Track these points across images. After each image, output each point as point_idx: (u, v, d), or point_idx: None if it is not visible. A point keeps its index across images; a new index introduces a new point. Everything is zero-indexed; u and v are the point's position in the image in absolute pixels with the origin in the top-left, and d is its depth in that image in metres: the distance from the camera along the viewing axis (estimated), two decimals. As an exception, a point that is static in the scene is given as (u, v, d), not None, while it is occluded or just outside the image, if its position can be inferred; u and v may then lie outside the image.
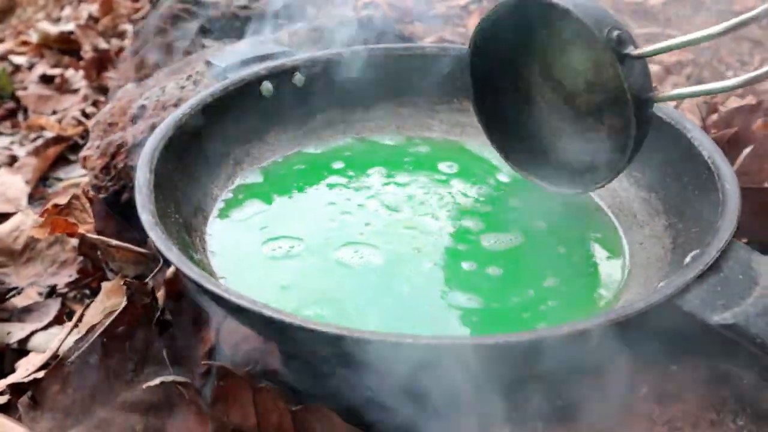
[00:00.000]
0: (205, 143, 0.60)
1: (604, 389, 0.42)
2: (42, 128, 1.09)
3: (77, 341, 0.49)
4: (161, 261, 0.57)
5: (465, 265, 0.53)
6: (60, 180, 0.99)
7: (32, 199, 0.94)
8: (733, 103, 1.01)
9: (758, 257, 0.45)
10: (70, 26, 1.36)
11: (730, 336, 0.40)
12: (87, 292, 0.68)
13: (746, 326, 0.39)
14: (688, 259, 0.47)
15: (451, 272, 0.52)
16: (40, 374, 0.48)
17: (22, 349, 0.59)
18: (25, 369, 0.51)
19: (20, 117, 1.17)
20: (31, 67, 1.29)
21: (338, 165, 0.65)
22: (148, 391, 0.47)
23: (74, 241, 0.65)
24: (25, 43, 1.37)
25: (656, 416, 0.40)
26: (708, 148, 0.55)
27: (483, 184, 0.63)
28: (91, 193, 0.64)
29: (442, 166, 0.65)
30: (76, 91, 1.19)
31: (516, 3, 0.53)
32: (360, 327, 0.38)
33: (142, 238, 0.63)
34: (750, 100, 0.99)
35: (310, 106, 0.68)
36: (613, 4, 1.45)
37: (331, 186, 0.62)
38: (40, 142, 1.04)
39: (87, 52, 1.24)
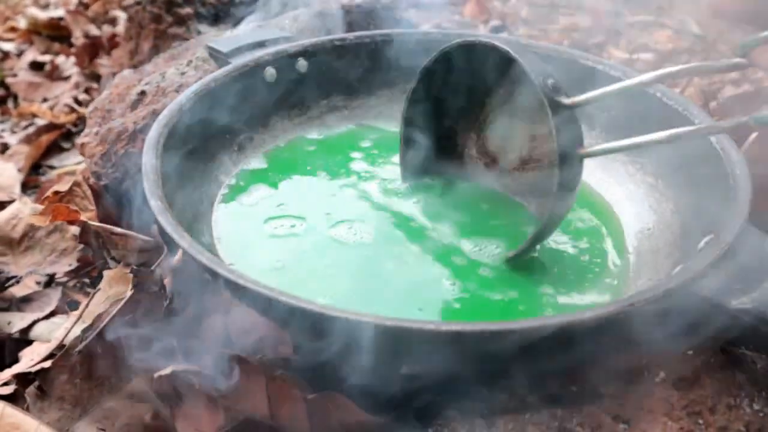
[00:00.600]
0: (209, 129, 0.59)
1: (622, 375, 0.42)
2: (33, 115, 1.07)
3: (84, 330, 0.48)
4: (166, 248, 0.56)
5: (457, 260, 0.52)
6: (53, 168, 0.98)
7: (25, 187, 0.92)
8: (729, 92, 1.02)
9: (771, 241, 0.45)
10: (59, 12, 1.33)
11: (749, 320, 0.40)
12: (87, 281, 0.67)
13: (765, 310, 0.39)
14: (701, 245, 0.47)
15: (447, 259, 0.52)
16: (47, 364, 0.47)
17: (23, 339, 0.58)
18: (30, 359, 0.50)
19: (10, 104, 1.15)
20: (20, 53, 1.27)
21: (342, 150, 0.64)
22: (158, 380, 0.47)
23: (74, 229, 0.64)
24: (13, 29, 1.34)
25: (674, 401, 0.40)
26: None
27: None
28: (92, 180, 0.63)
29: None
30: (67, 78, 1.16)
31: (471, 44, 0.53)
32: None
33: (140, 226, 0.62)
34: (747, 88, 0.99)
35: (312, 92, 0.68)
36: (608, -9, 1.45)
37: (333, 172, 0.62)
38: (32, 129, 1.02)
39: (78, 39, 1.22)
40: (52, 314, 0.59)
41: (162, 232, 0.46)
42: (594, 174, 0.63)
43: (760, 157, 0.64)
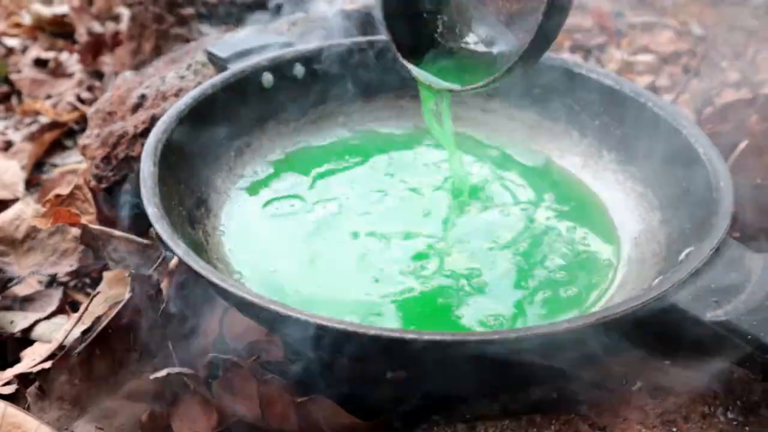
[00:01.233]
0: (207, 135, 0.60)
1: (599, 384, 0.43)
2: (37, 113, 1.08)
3: (83, 332, 0.50)
4: (164, 252, 0.58)
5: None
6: (56, 166, 0.99)
7: (28, 184, 0.93)
8: (729, 95, 1.02)
9: (751, 254, 0.46)
10: (63, 8, 1.34)
11: (723, 333, 0.41)
12: (87, 281, 0.68)
13: (738, 323, 0.41)
14: (682, 256, 0.48)
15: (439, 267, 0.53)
16: (48, 364, 0.49)
17: (25, 338, 0.59)
18: (31, 359, 0.51)
19: (14, 101, 1.16)
20: (24, 49, 1.28)
21: (338, 155, 0.66)
22: (154, 381, 0.48)
23: (75, 231, 0.65)
24: (17, 25, 1.36)
25: (649, 409, 0.42)
26: (704, 144, 0.56)
27: (485, 174, 0.64)
28: (93, 183, 0.65)
29: (442, 156, 0.66)
30: (70, 75, 1.18)
31: None
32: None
33: (140, 229, 0.64)
34: (745, 94, 1.00)
35: (310, 98, 0.69)
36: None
37: (330, 173, 0.63)
38: (35, 127, 1.04)
39: (81, 36, 1.23)
40: (53, 314, 0.60)
41: (158, 237, 0.48)
42: (584, 181, 0.64)
43: (748, 167, 0.65)
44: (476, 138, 0.68)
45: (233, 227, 0.57)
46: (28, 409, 0.47)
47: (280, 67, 0.66)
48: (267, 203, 0.60)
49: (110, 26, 1.25)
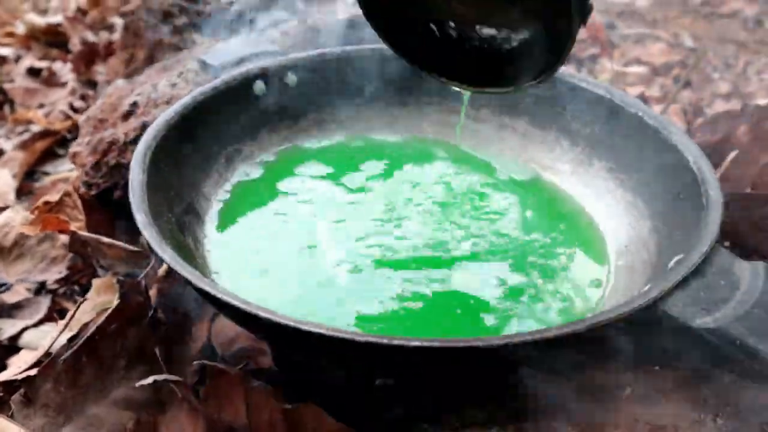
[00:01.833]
0: (197, 143, 0.60)
1: (588, 390, 0.43)
2: (29, 122, 1.08)
3: (70, 339, 0.49)
4: (153, 259, 0.57)
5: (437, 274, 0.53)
6: (47, 174, 0.99)
7: (20, 193, 0.93)
8: (719, 107, 1.03)
9: (740, 263, 0.46)
10: (57, 18, 1.35)
11: (712, 339, 0.41)
12: (77, 288, 0.68)
13: (727, 330, 0.41)
14: (671, 264, 0.48)
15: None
16: (33, 372, 0.48)
17: (12, 346, 0.59)
18: (17, 366, 0.51)
19: (6, 110, 1.16)
20: (17, 59, 1.28)
21: (331, 163, 0.66)
22: (141, 388, 0.48)
23: (64, 238, 0.65)
24: (10, 34, 1.36)
25: (639, 416, 0.42)
26: (693, 153, 0.56)
27: (471, 183, 0.64)
28: (82, 189, 0.64)
29: (433, 165, 0.66)
30: (64, 84, 1.18)
31: None
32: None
33: (131, 236, 0.64)
34: (735, 105, 1.00)
35: (301, 105, 0.69)
36: (601, 3, 1.46)
37: (319, 177, 0.63)
38: (27, 135, 1.03)
39: (75, 45, 1.23)
40: (41, 322, 0.60)
41: (147, 244, 0.48)
42: (576, 188, 0.64)
43: (737, 176, 0.65)
44: (463, 148, 0.68)
45: (219, 234, 0.57)
46: (12, 416, 0.46)
47: (272, 75, 0.67)
48: (254, 207, 0.60)
49: (104, 36, 1.25)
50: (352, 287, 0.51)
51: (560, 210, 0.62)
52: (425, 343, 0.38)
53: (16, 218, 0.66)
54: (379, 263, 0.53)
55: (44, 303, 0.63)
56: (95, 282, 0.60)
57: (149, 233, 0.45)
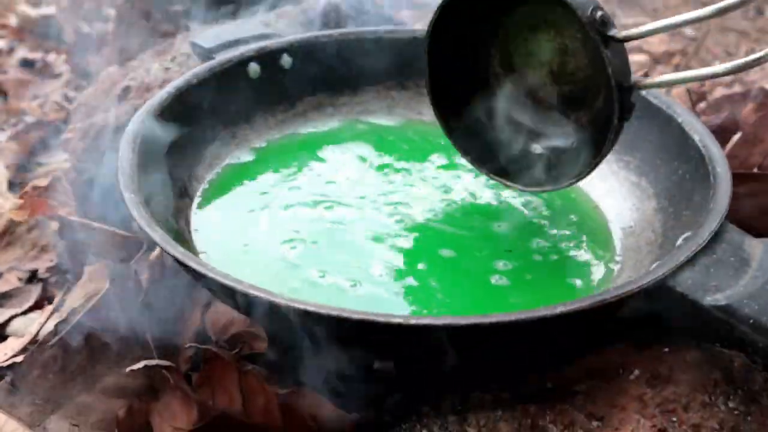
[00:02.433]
0: (190, 124, 0.59)
1: (596, 372, 0.42)
2: (23, 112, 1.07)
3: (58, 325, 0.48)
4: (145, 244, 0.56)
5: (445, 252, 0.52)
6: (41, 165, 0.97)
7: (12, 184, 0.92)
8: (720, 92, 1.02)
9: (750, 240, 0.45)
10: (51, 9, 1.33)
11: (723, 317, 0.39)
12: (68, 276, 0.66)
13: (739, 307, 0.39)
14: (680, 241, 0.46)
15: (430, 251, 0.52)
16: (20, 358, 0.47)
17: (0, 334, 0.57)
18: (3, 353, 0.49)
19: (0, 101, 1.15)
20: (10, 50, 1.26)
21: (326, 146, 0.64)
22: (132, 375, 0.46)
23: (55, 225, 0.63)
24: (4, 26, 1.34)
25: (648, 398, 0.40)
26: (699, 131, 0.55)
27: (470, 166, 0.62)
28: (74, 175, 0.63)
29: (432, 151, 0.64)
30: (58, 75, 1.16)
31: None
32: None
33: (121, 222, 0.62)
34: (737, 89, 0.99)
35: (297, 89, 0.67)
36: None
37: (317, 160, 0.62)
38: (20, 126, 1.02)
39: (69, 36, 1.22)
40: (30, 310, 0.59)
41: (137, 225, 0.46)
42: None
43: (742, 157, 0.64)
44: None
45: (206, 214, 0.55)
46: (-2, 404, 0.45)
47: (266, 57, 0.65)
48: (246, 189, 0.58)
49: (98, 26, 1.24)
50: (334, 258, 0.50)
51: (563, 191, 0.60)
52: (425, 321, 0.36)
53: (6, 206, 0.65)
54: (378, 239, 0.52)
55: (34, 291, 0.61)
56: (87, 269, 0.58)
57: (138, 212, 0.44)
